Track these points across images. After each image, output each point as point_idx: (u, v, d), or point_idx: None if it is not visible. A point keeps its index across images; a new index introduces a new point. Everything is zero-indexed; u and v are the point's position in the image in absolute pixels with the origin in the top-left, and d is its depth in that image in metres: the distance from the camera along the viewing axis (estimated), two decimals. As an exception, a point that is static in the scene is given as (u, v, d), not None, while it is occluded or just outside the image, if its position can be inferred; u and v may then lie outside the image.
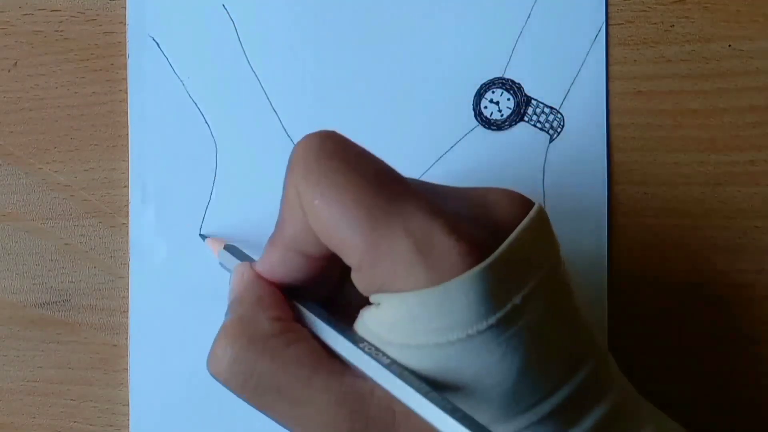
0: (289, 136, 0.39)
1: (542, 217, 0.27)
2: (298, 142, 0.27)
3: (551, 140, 0.39)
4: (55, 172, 0.40)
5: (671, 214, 0.39)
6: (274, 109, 0.39)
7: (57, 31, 0.40)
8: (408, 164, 0.39)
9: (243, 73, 0.40)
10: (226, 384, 0.27)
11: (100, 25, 0.40)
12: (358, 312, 0.28)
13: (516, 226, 0.26)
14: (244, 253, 0.35)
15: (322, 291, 0.30)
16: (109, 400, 0.40)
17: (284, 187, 0.27)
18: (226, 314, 0.29)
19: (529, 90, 0.39)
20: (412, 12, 0.39)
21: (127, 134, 0.40)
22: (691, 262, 0.39)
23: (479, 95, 0.39)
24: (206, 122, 0.40)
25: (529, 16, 0.39)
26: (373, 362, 0.25)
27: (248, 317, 0.28)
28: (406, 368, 0.25)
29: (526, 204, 0.27)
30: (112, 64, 0.40)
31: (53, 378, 0.40)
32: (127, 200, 0.40)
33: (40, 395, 0.40)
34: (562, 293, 0.27)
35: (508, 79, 0.39)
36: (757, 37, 0.39)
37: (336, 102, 0.39)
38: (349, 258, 0.26)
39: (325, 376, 0.26)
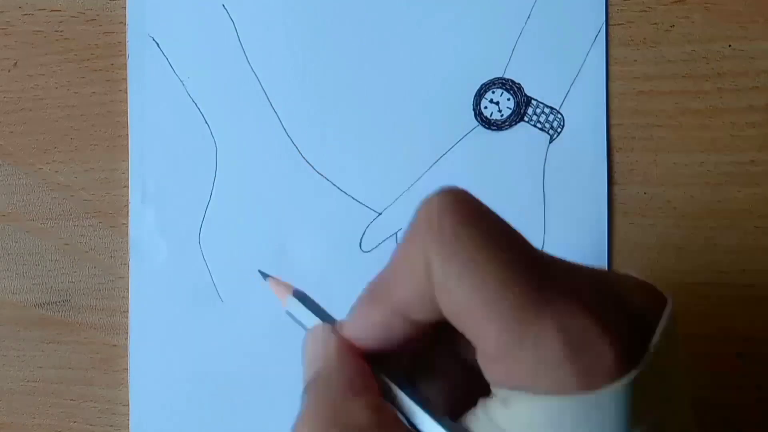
0: (289, 136, 0.39)
1: (674, 316, 0.25)
2: (428, 200, 0.24)
3: (551, 140, 0.39)
4: (55, 172, 0.40)
5: (671, 214, 0.39)
6: (274, 109, 0.39)
7: (57, 31, 0.40)
8: (408, 164, 0.39)
9: (243, 73, 0.40)
10: None
11: (100, 25, 0.40)
12: (440, 378, 0.26)
13: (652, 323, 0.24)
14: (314, 301, 0.33)
15: (407, 355, 0.27)
16: (109, 400, 0.40)
17: (404, 246, 0.24)
18: (308, 390, 0.26)
19: (529, 90, 0.39)
20: (412, 12, 0.39)
21: (127, 134, 0.40)
22: (691, 262, 0.39)
23: (479, 95, 0.39)
24: (206, 122, 0.40)
25: (529, 16, 0.39)
26: None
27: (340, 405, 0.25)
28: None
29: (660, 298, 0.25)
30: (112, 64, 0.40)
31: (53, 378, 0.40)
32: (127, 200, 0.40)
33: (40, 395, 0.40)
34: (685, 395, 0.25)
35: (508, 79, 0.39)
36: (757, 37, 0.39)
37: (336, 102, 0.39)
38: (484, 345, 0.23)
39: None
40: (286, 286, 0.32)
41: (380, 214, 0.39)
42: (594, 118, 0.39)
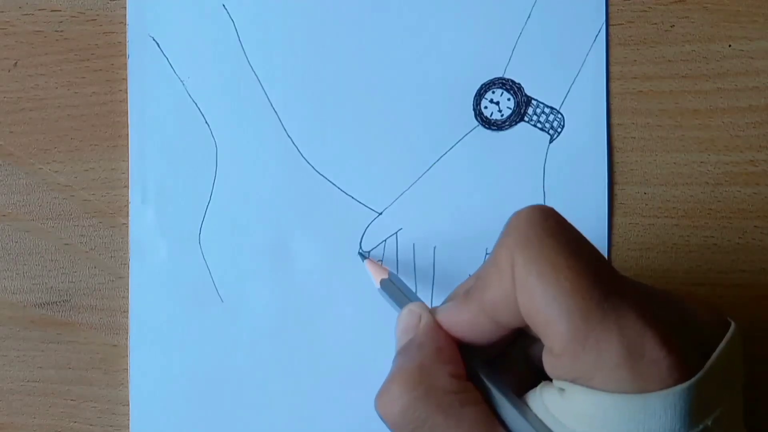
0: (289, 136, 0.39)
1: (737, 338, 0.27)
2: (519, 213, 0.27)
3: (551, 140, 0.39)
4: (55, 172, 0.40)
5: (671, 214, 0.39)
6: (274, 109, 0.39)
7: (57, 31, 0.40)
8: (408, 164, 0.39)
9: (243, 73, 0.40)
10: (393, 427, 0.27)
11: (100, 25, 0.40)
12: (509, 372, 0.28)
13: (714, 343, 0.26)
14: (406, 285, 0.35)
15: (488, 351, 0.29)
16: (109, 400, 0.40)
17: (494, 253, 0.27)
18: (400, 354, 0.29)
19: (529, 90, 0.39)
20: (412, 12, 0.39)
21: (127, 134, 0.40)
22: (691, 262, 0.39)
23: (479, 95, 0.39)
24: (206, 122, 0.40)
25: (529, 17, 0.39)
26: None
27: (428, 367, 0.27)
28: None
29: (723, 322, 0.27)
30: (112, 64, 0.40)
31: (53, 378, 0.40)
32: (127, 200, 0.40)
33: (40, 395, 0.40)
34: (740, 414, 0.27)
35: (508, 79, 0.39)
36: (757, 37, 0.39)
37: (336, 102, 0.39)
38: (551, 342, 0.25)
39: None
40: (382, 269, 0.36)
41: (380, 214, 0.39)
42: (594, 118, 0.39)
